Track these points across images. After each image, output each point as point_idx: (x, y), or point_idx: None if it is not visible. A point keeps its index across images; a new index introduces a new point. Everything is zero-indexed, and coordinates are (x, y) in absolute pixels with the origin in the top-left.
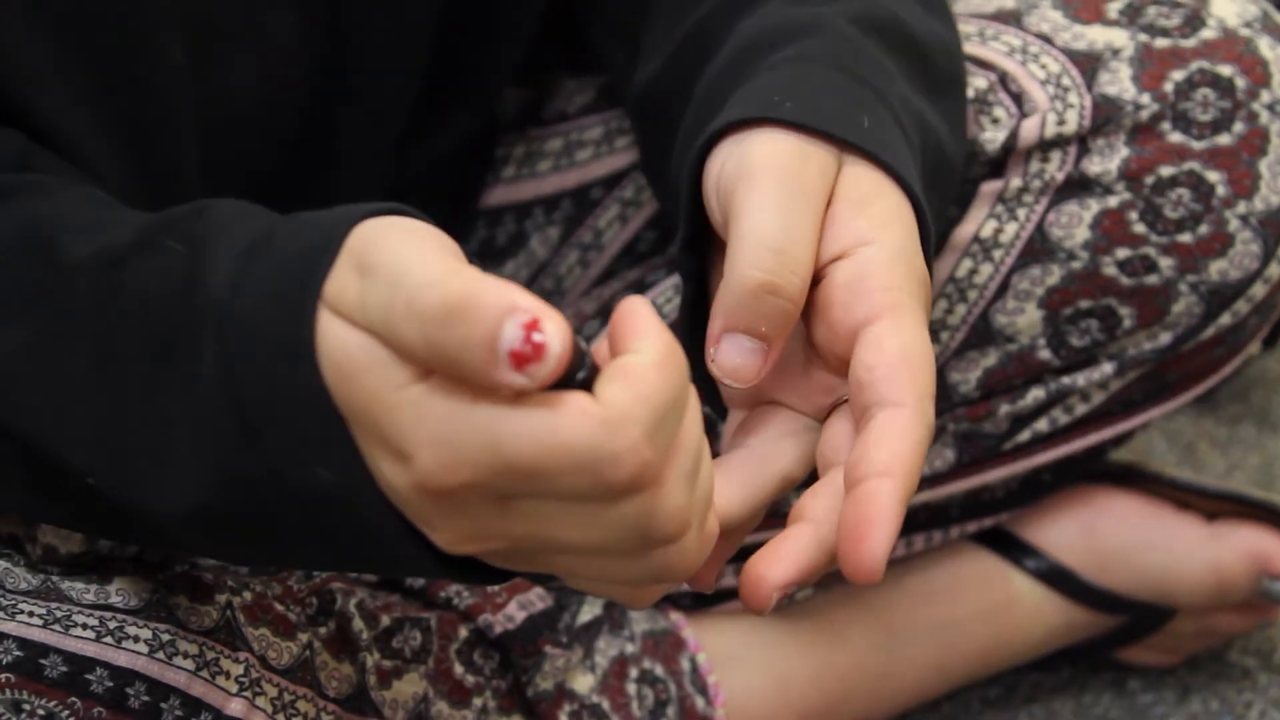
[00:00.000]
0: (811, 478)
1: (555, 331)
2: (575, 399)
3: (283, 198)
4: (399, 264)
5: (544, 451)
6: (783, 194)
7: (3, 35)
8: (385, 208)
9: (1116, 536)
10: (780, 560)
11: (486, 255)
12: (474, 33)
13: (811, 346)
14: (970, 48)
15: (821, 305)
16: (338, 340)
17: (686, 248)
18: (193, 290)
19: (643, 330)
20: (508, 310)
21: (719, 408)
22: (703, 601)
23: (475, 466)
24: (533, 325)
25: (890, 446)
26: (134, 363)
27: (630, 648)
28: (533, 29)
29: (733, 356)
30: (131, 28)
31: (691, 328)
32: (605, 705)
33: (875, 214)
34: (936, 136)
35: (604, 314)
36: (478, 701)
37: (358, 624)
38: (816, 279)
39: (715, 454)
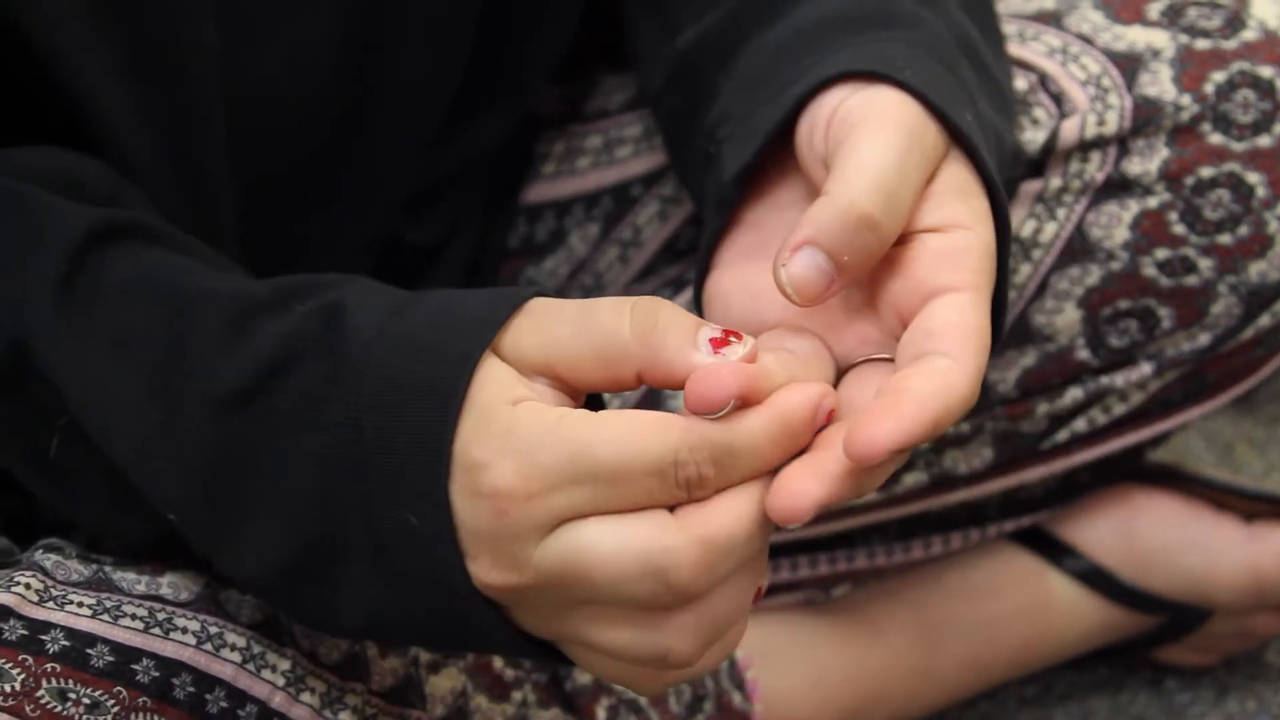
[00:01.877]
0: None
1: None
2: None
3: (314, 187)
4: (581, 314)
5: (625, 452)
6: (907, 144)
7: (46, 9)
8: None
9: (1154, 536)
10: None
11: (527, 252)
12: (514, 27)
13: (868, 298)
14: (1011, 48)
15: (904, 263)
16: (490, 377)
17: (742, 177)
18: (328, 343)
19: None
20: (699, 326)
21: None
22: None
23: (553, 474)
24: (721, 340)
25: (937, 381)
26: (245, 410)
27: None
28: (573, 23)
29: (806, 269)
30: (169, 8)
31: (707, 258)
32: (643, 700)
33: (975, 209)
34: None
35: None
36: (517, 695)
37: None
38: (902, 239)
39: None
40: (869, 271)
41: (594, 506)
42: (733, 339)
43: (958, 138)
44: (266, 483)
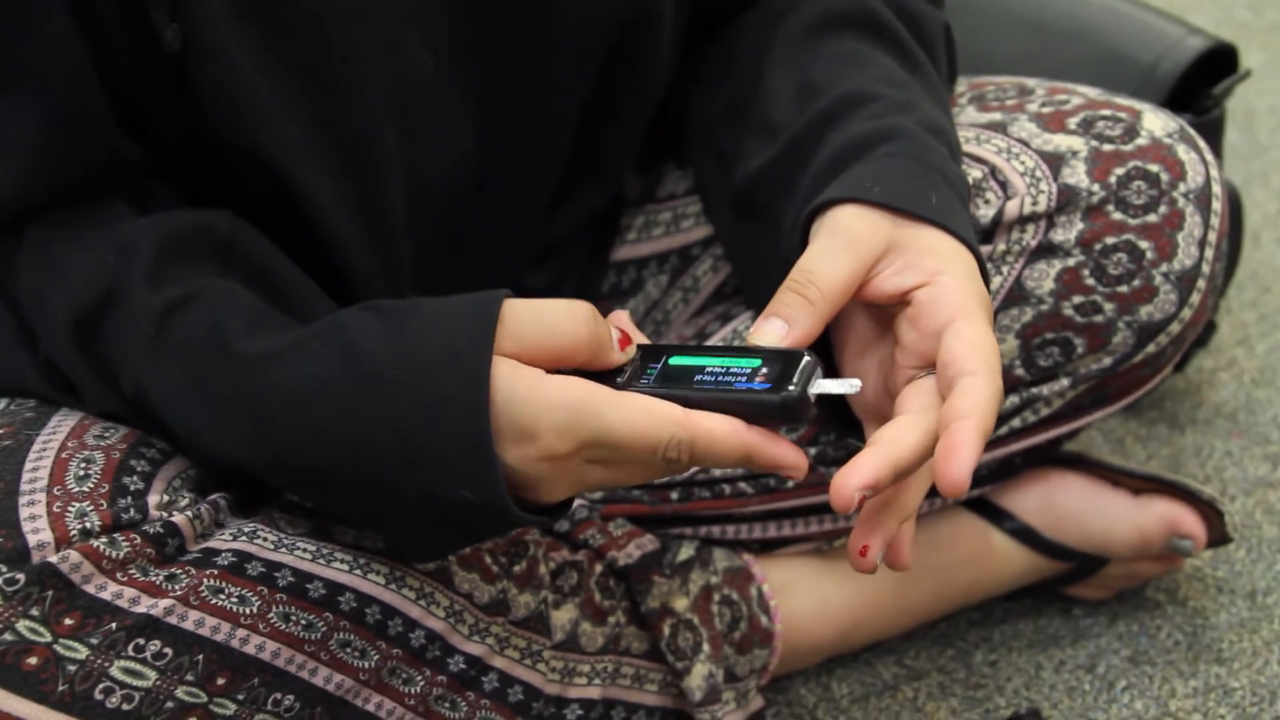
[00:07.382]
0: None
1: (630, 335)
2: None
3: (462, 247)
4: (546, 319)
5: (634, 435)
6: (829, 241)
7: (274, 124)
8: (505, 293)
9: (1068, 505)
10: (857, 470)
11: (615, 295)
12: (604, 128)
13: (903, 347)
14: (969, 148)
15: (911, 317)
16: (499, 374)
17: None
18: (352, 369)
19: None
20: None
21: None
22: (767, 547)
23: (583, 441)
24: (624, 340)
25: (970, 399)
26: (293, 429)
27: (714, 579)
28: (645, 124)
29: (762, 324)
30: (362, 119)
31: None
32: (696, 620)
33: (942, 255)
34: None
35: (700, 336)
36: (611, 619)
37: (542, 568)
38: (905, 303)
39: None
40: (826, 320)
41: (612, 457)
42: (627, 338)
43: (923, 216)
44: (322, 479)
